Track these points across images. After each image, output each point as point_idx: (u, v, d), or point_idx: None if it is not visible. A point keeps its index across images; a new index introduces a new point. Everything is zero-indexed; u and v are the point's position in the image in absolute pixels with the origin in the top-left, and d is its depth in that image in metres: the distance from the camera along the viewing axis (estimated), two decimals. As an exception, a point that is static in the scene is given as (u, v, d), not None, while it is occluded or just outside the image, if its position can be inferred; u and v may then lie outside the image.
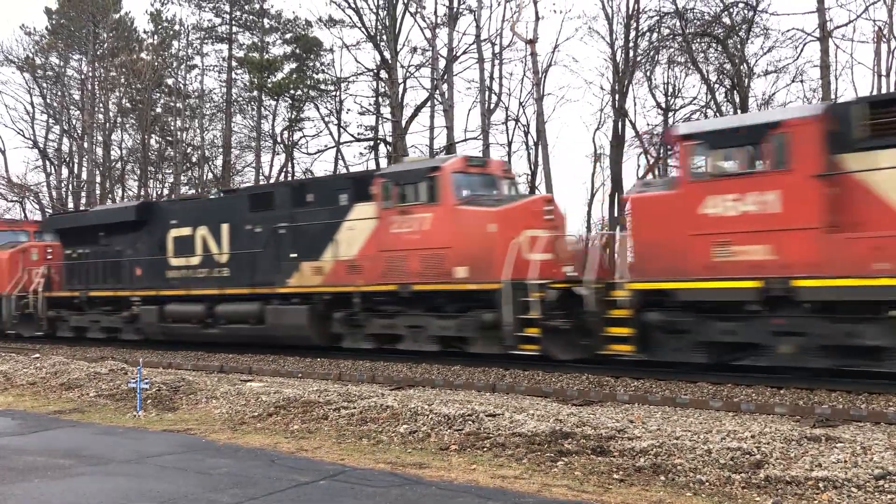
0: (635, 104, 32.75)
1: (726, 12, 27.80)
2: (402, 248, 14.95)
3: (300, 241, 16.75)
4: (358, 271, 15.65)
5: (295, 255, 16.77)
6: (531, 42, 30.31)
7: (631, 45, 30.18)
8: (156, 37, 46.65)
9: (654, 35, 29.50)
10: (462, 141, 33.68)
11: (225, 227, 18.30)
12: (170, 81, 45.42)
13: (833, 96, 25.33)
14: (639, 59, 30.01)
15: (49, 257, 23.68)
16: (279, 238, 17.14)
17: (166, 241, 19.65)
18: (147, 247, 20.18)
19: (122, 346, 21.11)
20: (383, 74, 35.22)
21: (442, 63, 32.65)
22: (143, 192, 43.39)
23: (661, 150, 29.31)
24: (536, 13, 31.13)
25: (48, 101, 46.74)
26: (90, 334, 21.72)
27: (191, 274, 19.00)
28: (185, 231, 19.21)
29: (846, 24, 30.99)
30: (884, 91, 26.57)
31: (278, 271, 17.03)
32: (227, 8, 44.23)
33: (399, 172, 15.55)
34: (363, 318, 15.65)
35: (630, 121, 30.69)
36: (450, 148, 31.03)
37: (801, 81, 30.21)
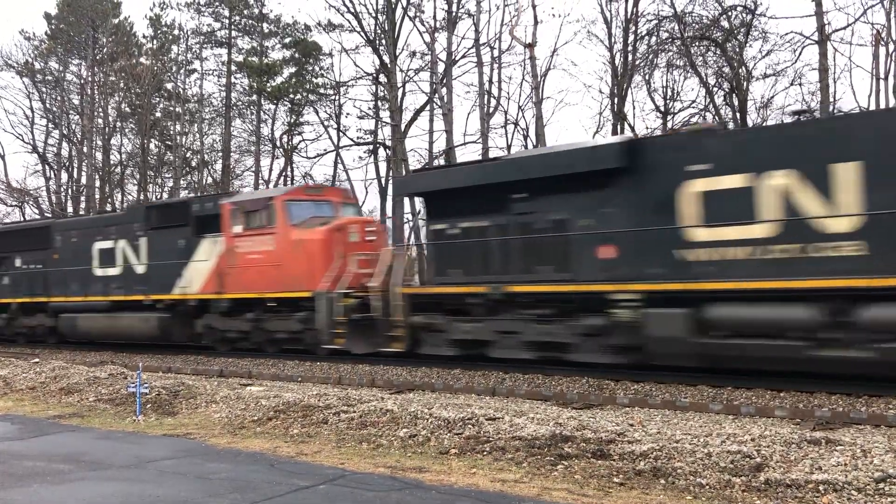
0: (634, 108, 32.82)
1: (725, 16, 27.86)
2: None
3: None
4: None
5: None
6: (530, 46, 30.36)
7: (629, 48, 30.21)
8: (155, 41, 46.82)
9: (653, 39, 29.54)
10: (461, 144, 33.76)
11: (846, 171, 10.59)
12: (169, 86, 45.59)
13: (832, 99, 25.42)
14: (637, 62, 30.05)
15: (372, 238, 16.96)
16: None
17: (675, 199, 12.03)
18: (627, 211, 12.59)
19: (122, 349, 19.66)
20: (382, 78, 35.28)
21: (441, 67, 32.77)
22: (142, 197, 43.43)
23: None
24: (535, 17, 31.24)
25: (48, 105, 46.84)
26: (496, 353, 13.90)
27: (748, 254, 11.38)
28: (728, 182, 11.56)
29: (845, 28, 31.07)
30: (882, 95, 26.62)
31: None
32: (226, 12, 44.35)
33: None
34: None
35: (629, 124, 30.72)
36: (449, 152, 31.05)
37: (800, 85, 30.27)
